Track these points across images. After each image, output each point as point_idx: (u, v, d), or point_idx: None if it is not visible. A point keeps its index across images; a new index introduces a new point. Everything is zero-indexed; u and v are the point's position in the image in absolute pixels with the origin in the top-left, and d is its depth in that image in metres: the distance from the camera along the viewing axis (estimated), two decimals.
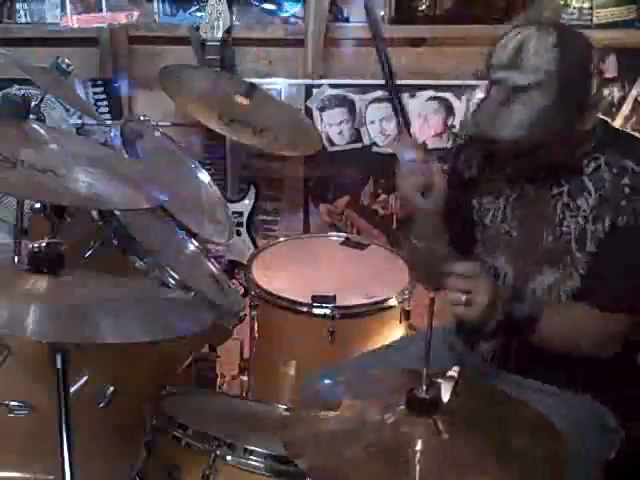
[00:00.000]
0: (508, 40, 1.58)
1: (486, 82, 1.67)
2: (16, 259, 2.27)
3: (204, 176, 2.51)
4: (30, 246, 1.41)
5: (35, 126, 1.71)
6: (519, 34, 1.57)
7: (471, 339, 1.83)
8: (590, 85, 1.59)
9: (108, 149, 2.12)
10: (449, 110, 3.20)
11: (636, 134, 3.17)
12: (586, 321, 1.64)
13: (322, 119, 3.19)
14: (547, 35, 1.55)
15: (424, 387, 1.23)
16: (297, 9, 3.08)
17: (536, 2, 2.97)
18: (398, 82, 3.14)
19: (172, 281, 1.89)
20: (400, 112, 2.05)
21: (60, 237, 1.92)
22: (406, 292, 2.29)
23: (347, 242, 2.62)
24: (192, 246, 2.24)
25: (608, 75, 3.08)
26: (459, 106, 3.18)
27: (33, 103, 2.03)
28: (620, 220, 1.60)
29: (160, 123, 2.66)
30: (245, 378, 2.45)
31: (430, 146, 3.23)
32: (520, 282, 1.73)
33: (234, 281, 2.81)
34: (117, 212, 1.93)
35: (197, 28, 2.87)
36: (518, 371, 1.74)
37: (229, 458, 1.57)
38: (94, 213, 1.94)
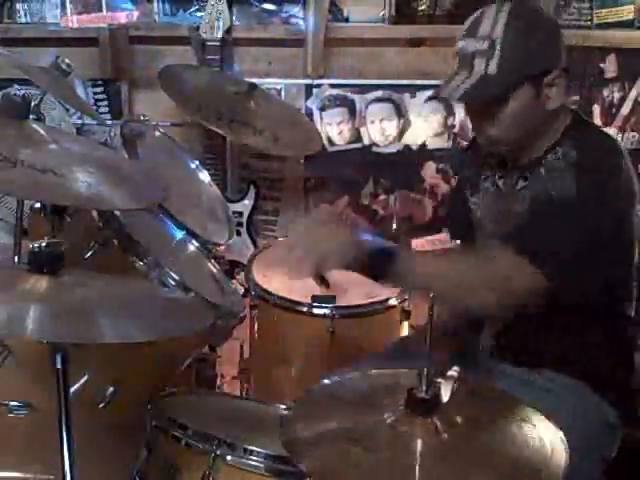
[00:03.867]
0: (475, 14, 1.64)
1: None
2: (16, 259, 2.27)
3: (204, 176, 2.51)
4: (30, 246, 1.41)
5: (35, 126, 1.71)
6: (478, 11, 1.63)
7: (473, 334, 1.84)
8: (544, 61, 1.60)
9: (108, 149, 2.12)
10: (449, 110, 3.20)
11: (635, 137, 3.20)
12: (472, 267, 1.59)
13: (322, 119, 3.20)
14: (502, 6, 1.59)
15: (424, 387, 1.23)
16: (297, 9, 3.08)
17: None
18: (398, 82, 3.16)
19: (172, 281, 1.89)
20: None
21: (60, 237, 1.92)
22: (406, 292, 2.28)
23: None
24: (192, 246, 2.24)
25: (608, 75, 3.09)
26: (459, 106, 3.18)
27: (33, 103, 2.03)
28: (541, 193, 1.63)
29: (160, 123, 2.66)
30: (245, 378, 2.45)
31: (430, 146, 3.24)
32: None
33: (234, 281, 2.81)
34: (117, 212, 1.93)
35: (197, 28, 2.88)
36: (519, 364, 1.74)
37: (229, 458, 1.57)
38: (94, 213, 1.93)
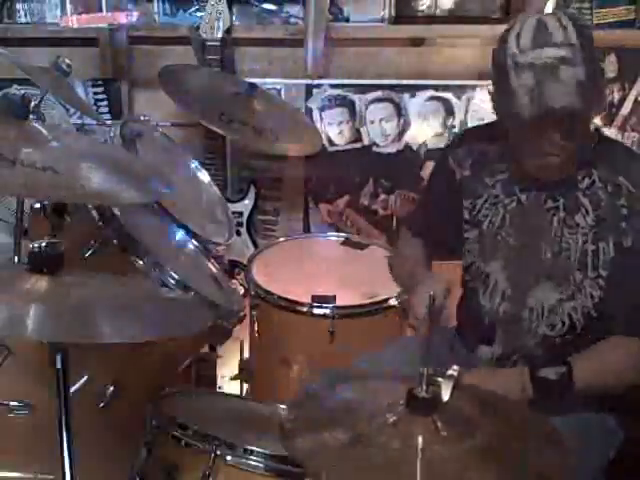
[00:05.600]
0: (520, 28, 1.54)
1: (487, 82, 1.66)
2: (16, 259, 2.28)
3: (204, 176, 2.51)
4: (30, 246, 1.41)
5: (35, 125, 1.70)
6: (526, 21, 1.54)
7: (471, 342, 1.83)
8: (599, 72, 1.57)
9: (111, 145, 2.13)
10: (449, 110, 3.20)
11: (635, 137, 3.20)
12: (624, 356, 1.62)
13: (322, 119, 3.19)
14: (558, 16, 1.54)
15: (424, 387, 1.23)
16: (297, 9, 3.08)
17: None
18: (398, 82, 3.16)
19: (172, 281, 1.89)
20: None
21: (60, 237, 1.92)
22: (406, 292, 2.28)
23: (347, 242, 2.62)
24: (192, 246, 2.24)
25: (608, 75, 3.08)
26: (459, 106, 3.18)
27: (33, 103, 2.03)
28: (625, 241, 1.59)
29: (160, 123, 2.66)
30: (245, 378, 2.45)
31: (430, 146, 3.24)
32: (515, 293, 1.71)
33: (234, 281, 2.81)
34: (117, 212, 1.93)
35: (197, 28, 2.88)
36: None
37: (229, 458, 1.57)
38: (94, 213, 1.94)
